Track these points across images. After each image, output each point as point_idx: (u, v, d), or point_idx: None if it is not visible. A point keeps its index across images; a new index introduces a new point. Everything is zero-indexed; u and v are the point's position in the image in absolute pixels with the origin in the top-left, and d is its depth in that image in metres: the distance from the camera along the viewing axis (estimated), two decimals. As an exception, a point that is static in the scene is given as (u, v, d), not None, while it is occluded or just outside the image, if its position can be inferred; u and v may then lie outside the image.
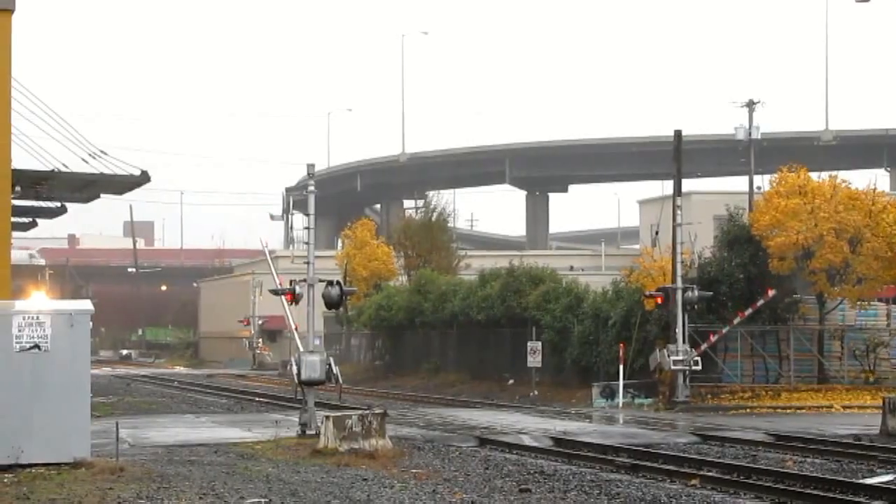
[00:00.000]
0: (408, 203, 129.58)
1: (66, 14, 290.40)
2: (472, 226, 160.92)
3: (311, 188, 31.74)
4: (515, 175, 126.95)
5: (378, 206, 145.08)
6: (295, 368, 30.28)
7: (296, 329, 31.94)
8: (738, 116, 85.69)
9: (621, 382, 44.81)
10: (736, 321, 44.66)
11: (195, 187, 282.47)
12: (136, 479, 21.37)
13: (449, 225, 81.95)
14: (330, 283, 31.36)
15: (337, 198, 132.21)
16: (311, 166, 32.56)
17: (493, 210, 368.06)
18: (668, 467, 24.18)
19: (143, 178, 38.95)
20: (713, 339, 44.53)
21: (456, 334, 62.47)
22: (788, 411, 41.19)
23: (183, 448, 28.00)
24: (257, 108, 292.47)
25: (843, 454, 26.84)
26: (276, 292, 31.44)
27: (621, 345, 45.54)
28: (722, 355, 45.75)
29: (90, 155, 36.71)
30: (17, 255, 76.69)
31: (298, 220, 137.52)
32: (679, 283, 42.79)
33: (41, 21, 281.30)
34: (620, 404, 44.27)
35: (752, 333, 45.83)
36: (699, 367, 42.81)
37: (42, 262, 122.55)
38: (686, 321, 42.85)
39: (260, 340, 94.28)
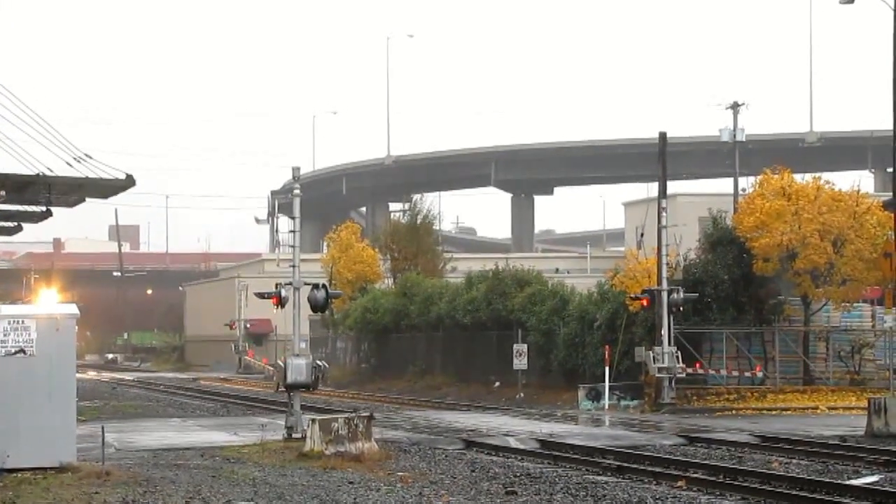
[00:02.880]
0: (393, 206, 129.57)
1: (55, 19, 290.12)
2: (457, 228, 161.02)
3: (297, 191, 31.75)
4: (501, 178, 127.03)
5: (364, 209, 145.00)
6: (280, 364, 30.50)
7: (251, 355, 32.01)
8: (723, 118, 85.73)
9: (607, 384, 44.85)
10: (721, 371, 44.92)
11: (180, 191, 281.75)
12: (122, 484, 21.36)
13: (435, 228, 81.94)
14: (315, 286, 31.35)
15: (322, 201, 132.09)
16: (296, 169, 32.55)
17: (478, 213, 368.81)
18: (654, 469, 24.22)
19: (129, 182, 38.75)
20: (698, 367, 44.61)
21: (442, 337, 62.43)
22: (774, 413, 41.27)
23: (169, 452, 27.99)
24: (241, 111, 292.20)
25: (828, 455, 26.90)
26: (262, 296, 31.46)
27: (607, 347, 45.59)
28: (707, 357, 45.81)
29: (75, 159, 36.42)
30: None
31: (284, 223, 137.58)
32: (664, 285, 42.85)
33: (29, 27, 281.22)
34: (606, 406, 44.29)
35: (738, 335, 45.89)
36: (683, 375, 43.03)
37: None
38: (672, 323, 42.92)
39: (246, 344, 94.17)
